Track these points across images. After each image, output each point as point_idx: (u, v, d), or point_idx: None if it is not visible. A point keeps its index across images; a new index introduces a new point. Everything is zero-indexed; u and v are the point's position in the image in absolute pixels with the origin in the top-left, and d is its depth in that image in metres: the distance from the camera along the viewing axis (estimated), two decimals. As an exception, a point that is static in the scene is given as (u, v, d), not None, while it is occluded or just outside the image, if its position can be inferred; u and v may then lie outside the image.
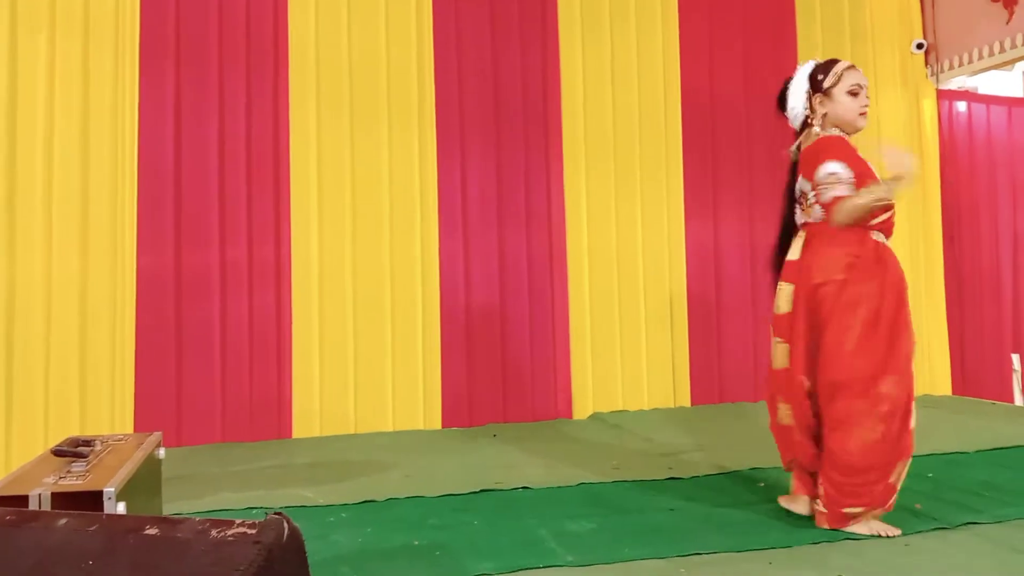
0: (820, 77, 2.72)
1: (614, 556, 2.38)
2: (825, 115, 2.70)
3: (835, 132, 2.70)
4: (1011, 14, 5.18)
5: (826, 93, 2.70)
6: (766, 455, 3.64)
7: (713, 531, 2.59)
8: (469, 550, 2.43)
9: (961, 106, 5.73)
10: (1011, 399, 5.59)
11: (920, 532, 2.56)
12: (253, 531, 0.92)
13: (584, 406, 4.80)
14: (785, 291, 2.71)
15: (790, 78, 2.82)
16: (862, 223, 2.60)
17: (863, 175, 2.62)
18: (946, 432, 4.16)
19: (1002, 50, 5.26)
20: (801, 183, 2.75)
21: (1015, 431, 4.14)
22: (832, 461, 2.55)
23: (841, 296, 2.55)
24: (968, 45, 5.48)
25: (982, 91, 5.80)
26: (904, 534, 2.53)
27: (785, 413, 2.72)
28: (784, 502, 2.79)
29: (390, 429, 4.49)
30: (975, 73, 5.59)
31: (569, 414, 4.76)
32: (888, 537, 2.50)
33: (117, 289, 4.16)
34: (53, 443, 2.24)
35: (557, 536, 2.56)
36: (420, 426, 4.54)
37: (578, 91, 4.94)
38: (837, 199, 2.58)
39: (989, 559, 2.32)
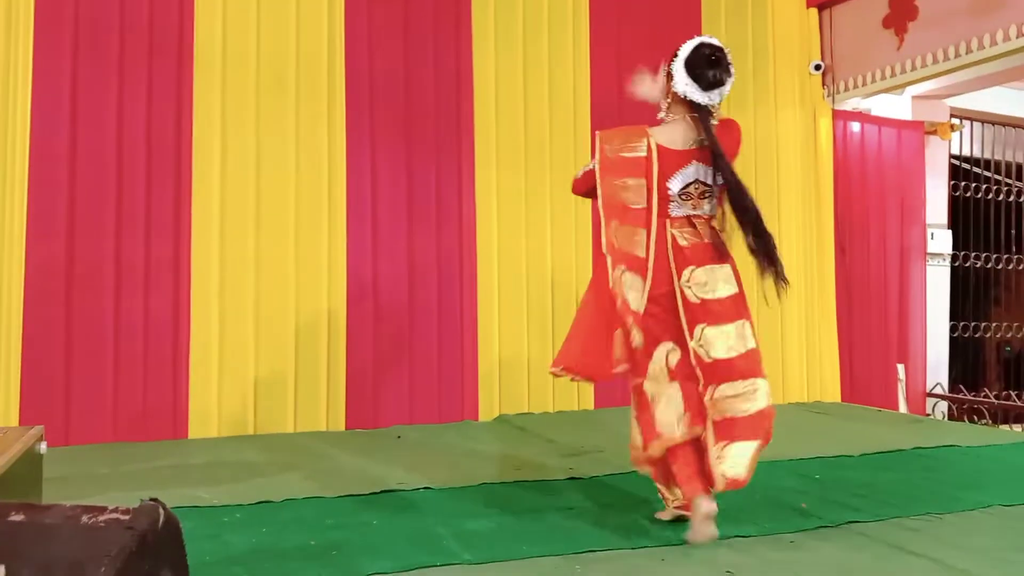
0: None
1: (511, 554, 2.39)
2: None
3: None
4: (901, 41, 5.48)
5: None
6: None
7: (609, 529, 2.64)
8: (366, 550, 2.41)
9: (855, 126, 6.01)
10: (896, 407, 5.88)
11: (805, 530, 2.67)
12: (127, 517, 0.89)
13: (491, 408, 4.81)
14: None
15: (723, 51, 2.59)
16: None
17: None
18: (833, 437, 4.35)
19: (893, 74, 5.56)
20: (706, 172, 2.58)
21: (897, 436, 4.36)
22: None
23: None
24: (862, 68, 5.76)
25: (875, 113, 6.09)
26: (789, 532, 2.64)
27: None
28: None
29: (291, 431, 4.40)
30: (868, 95, 5.89)
31: (476, 416, 4.77)
32: None
33: (3, 280, 3.96)
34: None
35: (456, 535, 2.56)
36: (323, 428, 4.47)
37: (490, 93, 4.96)
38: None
39: (866, 554, 2.44)
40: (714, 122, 2.59)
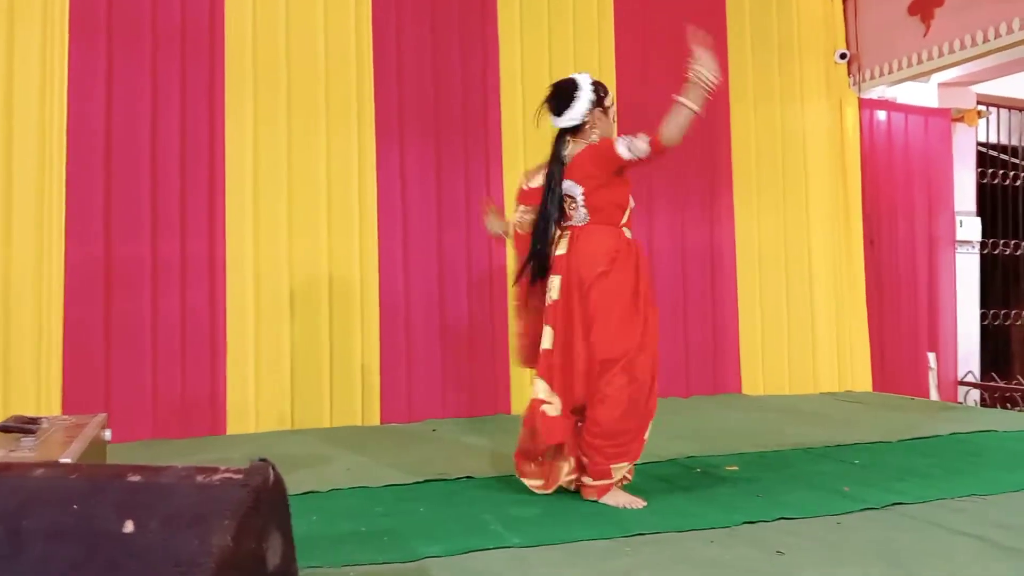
0: (602, 95, 2.97)
1: (559, 537, 2.42)
2: (596, 129, 2.95)
3: None
4: (928, 28, 5.46)
5: (605, 111, 2.96)
6: (701, 444, 3.77)
7: (654, 513, 2.66)
8: (417, 534, 2.44)
9: (881, 115, 5.99)
10: (927, 395, 5.85)
11: (850, 512, 2.67)
12: (239, 476, 0.92)
13: (522, 401, 4.81)
14: (556, 282, 2.90)
15: (572, 82, 2.95)
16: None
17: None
18: (870, 424, 4.35)
19: (919, 62, 5.54)
20: (570, 187, 2.90)
21: (933, 423, 4.35)
22: (598, 430, 2.78)
23: (607, 284, 2.82)
24: (888, 56, 5.75)
25: (901, 101, 6.07)
26: (835, 514, 2.65)
27: (544, 390, 2.86)
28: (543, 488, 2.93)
29: (328, 426, 4.45)
30: (894, 83, 5.87)
31: (508, 409, 4.79)
32: (635, 508, 2.76)
33: (43, 282, 4.02)
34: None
35: (502, 520, 2.59)
36: (358, 422, 4.51)
37: (517, 93, 4.99)
38: (655, 136, 2.73)
39: (913, 534, 2.45)
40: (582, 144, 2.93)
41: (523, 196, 3.10)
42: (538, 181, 3.01)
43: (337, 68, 4.62)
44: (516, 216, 3.10)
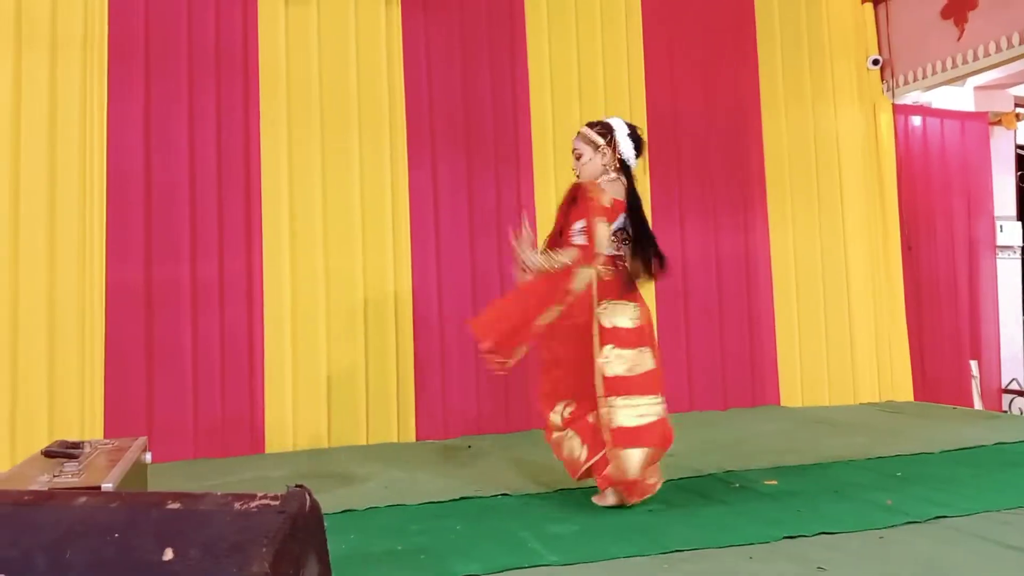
0: None
1: (597, 555, 2.41)
2: None
3: None
4: (962, 31, 5.38)
5: None
6: (739, 458, 3.73)
7: (693, 529, 2.64)
8: (453, 553, 2.45)
9: (916, 120, 5.91)
10: (970, 403, 5.74)
11: (893, 526, 2.63)
12: (276, 502, 0.94)
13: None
14: (637, 306, 3.08)
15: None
16: None
17: None
18: (911, 435, 4.27)
19: (954, 66, 5.46)
20: (626, 221, 3.10)
21: (975, 433, 4.26)
22: None
23: None
24: (921, 61, 5.67)
25: (935, 106, 5.98)
26: (877, 528, 2.60)
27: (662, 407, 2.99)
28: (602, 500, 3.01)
29: (364, 443, 4.47)
30: (928, 88, 5.79)
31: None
32: None
33: (86, 304, 4.10)
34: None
35: (539, 538, 2.59)
36: (394, 439, 4.53)
37: (546, 101, 5.01)
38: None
39: (959, 548, 2.40)
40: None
41: (603, 210, 3.05)
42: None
43: (368, 86, 4.68)
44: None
